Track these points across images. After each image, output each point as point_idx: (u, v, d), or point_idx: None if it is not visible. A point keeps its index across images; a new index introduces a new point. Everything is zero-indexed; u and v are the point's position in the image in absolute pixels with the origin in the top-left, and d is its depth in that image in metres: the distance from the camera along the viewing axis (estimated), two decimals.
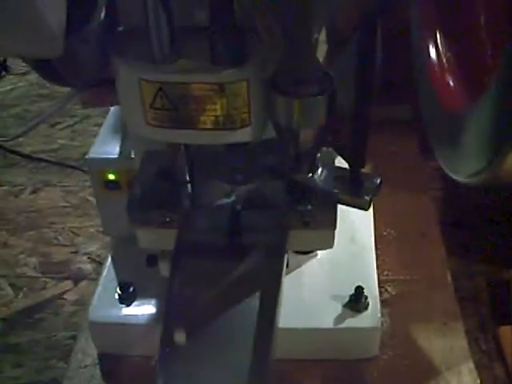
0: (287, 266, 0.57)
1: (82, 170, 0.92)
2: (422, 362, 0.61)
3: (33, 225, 0.87)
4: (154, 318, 0.60)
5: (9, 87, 1.13)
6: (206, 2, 0.45)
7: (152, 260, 0.62)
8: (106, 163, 0.62)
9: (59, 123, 1.05)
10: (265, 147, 0.53)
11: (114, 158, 0.62)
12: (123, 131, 0.64)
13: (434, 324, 0.64)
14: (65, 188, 0.92)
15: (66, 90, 1.06)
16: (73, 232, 0.85)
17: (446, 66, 0.51)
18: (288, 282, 0.61)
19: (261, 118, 0.48)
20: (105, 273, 0.65)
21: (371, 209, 0.70)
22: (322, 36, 0.49)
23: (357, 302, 0.59)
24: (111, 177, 0.62)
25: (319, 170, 0.53)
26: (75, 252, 0.83)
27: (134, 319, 0.60)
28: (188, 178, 0.54)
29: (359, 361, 0.61)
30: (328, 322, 0.59)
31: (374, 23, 0.43)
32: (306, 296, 0.61)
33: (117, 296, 0.62)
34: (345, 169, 0.52)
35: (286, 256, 0.53)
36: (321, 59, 0.49)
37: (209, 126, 0.48)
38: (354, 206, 0.51)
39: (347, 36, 0.47)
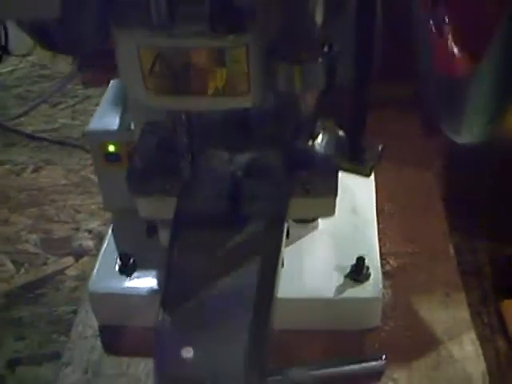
0: (288, 236, 0.57)
1: (84, 149, 0.92)
2: (423, 332, 0.61)
3: (34, 202, 0.86)
4: (154, 289, 0.60)
5: (10, 68, 1.12)
6: None
7: (152, 230, 0.61)
8: (106, 135, 0.62)
9: (60, 103, 1.04)
10: (265, 115, 0.53)
11: (114, 130, 0.62)
12: (123, 104, 0.64)
13: (436, 295, 0.64)
14: (66, 166, 0.92)
15: (67, 70, 1.07)
16: (74, 209, 0.85)
17: (446, 30, 0.51)
18: (289, 253, 0.61)
19: (260, 84, 0.48)
20: (105, 245, 0.65)
21: (373, 181, 0.71)
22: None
23: (358, 272, 0.59)
24: (111, 149, 0.62)
25: (320, 138, 0.53)
26: (76, 229, 0.82)
27: (134, 290, 0.60)
28: (188, 147, 0.54)
29: (361, 332, 0.61)
30: (329, 292, 0.59)
31: None
32: (307, 267, 0.61)
33: (117, 267, 0.62)
34: (346, 135, 0.51)
35: (286, 225, 0.53)
36: (320, 23, 0.49)
37: (208, 93, 0.47)
38: (356, 173, 0.50)
39: None
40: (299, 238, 0.63)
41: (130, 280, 0.61)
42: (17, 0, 0.41)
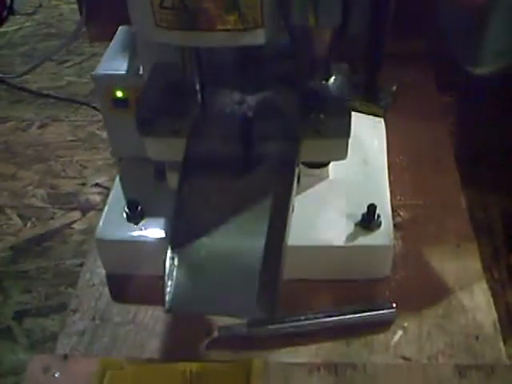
0: (298, 182, 0.56)
1: (90, 106, 0.91)
2: (434, 282, 0.60)
3: (41, 158, 0.85)
4: (162, 237, 0.59)
5: (16, 27, 1.11)
6: None
7: (160, 174, 0.60)
8: (114, 79, 0.60)
9: (66, 61, 1.03)
10: (278, 54, 0.52)
11: (122, 74, 0.60)
12: (132, 48, 0.63)
13: (447, 246, 0.63)
14: (72, 123, 0.91)
15: (73, 28, 1.06)
16: (81, 165, 0.84)
17: None
18: (300, 202, 0.60)
19: (274, 19, 0.46)
20: (112, 193, 0.64)
21: (384, 133, 0.70)
22: None
23: (369, 220, 0.58)
24: (119, 94, 0.61)
25: (333, 79, 0.51)
26: (83, 184, 0.82)
27: (142, 237, 0.59)
28: (198, 87, 0.53)
29: (371, 281, 0.60)
30: (340, 240, 0.58)
31: None
32: (318, 215, 0.60)
33: (124, 215, 0.61)
34: (361, 76, 0.50)
35: (298, 168, 0.52)
36: None
37: (220, 27, 0.46)
38: (370, 113, 0.49)
39: None
40: (310, 187, 0.62)
41: (137, 227, 0.60)
42: None
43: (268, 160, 0.49)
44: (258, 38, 0.47)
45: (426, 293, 0.59)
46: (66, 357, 0.56)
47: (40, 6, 1.17)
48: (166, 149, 0.53)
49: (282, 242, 0.44)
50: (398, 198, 0.68)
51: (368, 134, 0.68)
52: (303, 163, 0.56)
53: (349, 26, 0.48)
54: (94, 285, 0.63)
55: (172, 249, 0.44)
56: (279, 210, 0.46)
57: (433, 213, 0.67)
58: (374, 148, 0.67)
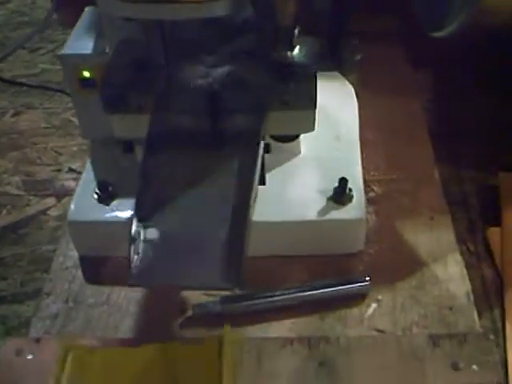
0: (268, 152, 0.56)
1: (65, 92, 0.90)
2: (408, 255, 0.60)
3: (15, 146, 0.84)
4: None
5: None
6: None
7: (128, 147, 0.60)
8: (80, 59, 0.60)
9: (40, 49, 1.01)
10: (242, 26, 0.52)
11: (88, 54, 0.59)
12: (98, 28, 0.62)
13: (420, 219, 0.63)
14: (47, 110, 0.90)
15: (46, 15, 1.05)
16: (56, 151, 0.83)
17: None
18: (271, 178, 0.60)
19: None
20: (84, 176, 0.64)
21: (357, 109, 0.69)
22: None
23: (341, 194, 0.58)
24: (86, 74, 0.60)
25: (298, 49, 0.51)
26: (58, 170, 0.81)
27: (113, 217, 0.59)
28: (163, 62, 0.52)
29: (345, 255, 0.60)
30: (312, 215, 0.58)
31: None
32: (290, 190, 0.60)
33: (95, 196, 0.61)
34: (325, 44, 0.50)
35: (263, 140, 0.51)
36: None
37: None
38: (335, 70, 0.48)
39: None
40: (282, 163, 0.62)
41: (108, 208, 0.60)
42: None
43: (234, 133, 0.49)
44: (221, 9, 0.46)
45: (400, 265, 0.59)
46: (38, 340, 0.55)
47: None
48: (132, 126, 0.52)
49: (247, 213, 0.44)
50: (372, 173, 0.68)
51: (340, 110, 0.68)
52: (272, 137, 0.56)
53: None
54: (67, 268, 0.62)
55: (137, 222, 0.44)
56: (244, 182, 0.46)
57: (406, 187, 0.67)
58: (346, 124, 0.67)
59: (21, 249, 0.71)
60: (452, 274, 0.59)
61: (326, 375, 0.51)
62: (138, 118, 0.51)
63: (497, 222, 0.65)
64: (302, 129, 0.54)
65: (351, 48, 0.47)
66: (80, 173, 0.79)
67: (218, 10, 0.46)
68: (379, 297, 0.57)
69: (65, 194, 0.77)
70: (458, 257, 0.60)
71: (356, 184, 0.59)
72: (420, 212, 0.64)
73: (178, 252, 0.43)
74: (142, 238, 0.44)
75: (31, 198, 0.77)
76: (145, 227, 0.44)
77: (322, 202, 0.58)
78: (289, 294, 0.56)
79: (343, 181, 0.57)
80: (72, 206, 0.61)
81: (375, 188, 0.67)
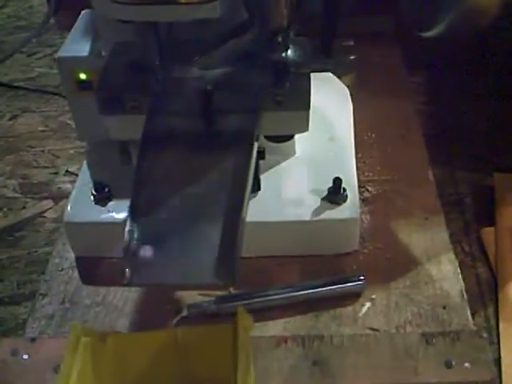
0: (263, 158, 0.56)
1: (62, 96, 0.91)
2: (402, 254, 0.61)
3: (12, 149, 0.85)
4: None
5: None
6: None
7: (125, 158, 0.60)
8: (77, 61, 0.60)
9: (37, 53, 1.02)
10: (235, 29, 0.52)
11: (85, 56, 0.60)
12: (94, 30, 0.62)
13: (415, 219, 0.64)
14: (43, 113, 0.90)
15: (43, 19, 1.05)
16: (52, 154, 0.83)
17: None
18: (266, 178, 0.61)
19: None
20: (80, 177, 0.64)
21: (351, 109, 0.70)
22: None
23: (335, 194, 0.58)
24: (82, 76, 0.61)
25: (292, 50, 0.51)
26: (55, 173, 0.81)
27: (110, 219, 0.59)
28: (157, 64, 0.53)
29: (339, 255, 0.60)
30: (306, 215, 0.58)
31: None
32: (284, 191, 0.60)
33: (92, 197, 0.61)
34: (318, 47, 0.50)
35: (257, 140, 0.52)
36: None
37: (176, 0, 0.46)
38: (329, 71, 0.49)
39: None
40: (276, 164, 0.63)
41: (105, 209, 0.60)
42: None
43: (228, 133, 0.49)
44: (214, 11, 0.47)
45: (394, 265, 0.60)
46: (33, 340, 0.56)
47: None
48: (128, 127, 0.52)
49: (241, 212, 0.44)
50: (366, 173, 0.68)
51: (335, 111, 0.68)
52: (267, 137, 0.56)
53: None
54: (63, 269, 0.63)
55: (131, 222, 0.44)
56: (238, 182, 0.46)
57: (401, 187, 0.67)
58: (340, 125, 0.67)
59: (17, 251, 0.71)
60: (446, 273, 0.59)
61: (320, 374, 0.51)
62: (133, 119, 0.52)
63: (491, 222, 0.66)
64: (296, 129, 0.54)
65: (345, 49, 0.48)
66: (77, 175, 0.80)
67: (211, 12, 0.47)
68: (373, 296, 0.57)
69: (62, 196, 0.78)
70: (451, 256, 0.60)
71: (350, 184, 0.59)
72: (414, 212, 0.64)
73: (172, 251, 0.44)
74: (136, 238, 0.44)
75: (28, 200, 0.78)
76: (139, 227, 0.44)
77: (316, 202, 0.59)
78: (283, 293, 0.57)
79: (337, 181, 0.58)
80: (68, 207, 0.61)
81: (370, 188, 0.67)
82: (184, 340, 0.50)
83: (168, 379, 0.51)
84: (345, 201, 0.58)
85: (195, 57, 0.52)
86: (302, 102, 0.50)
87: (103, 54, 0.60)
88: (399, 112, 0.76)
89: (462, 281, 0.59)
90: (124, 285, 0.43)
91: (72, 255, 0.64)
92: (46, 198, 0.78)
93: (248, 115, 0.50)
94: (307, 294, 0.57)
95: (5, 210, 0.76)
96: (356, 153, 0.66)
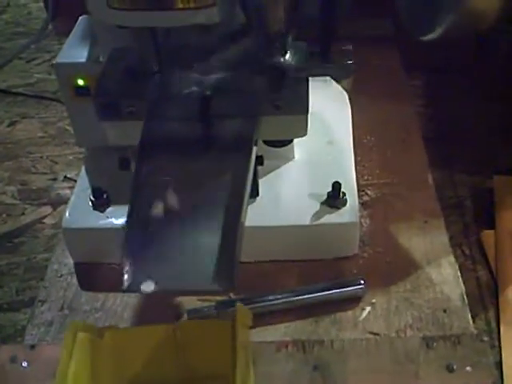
0: (262, 163, 0.56)
1: (60, 102, 0.91)
2: (402, 258, 0.60)
3: (11, 155, 0.85)
4: None
5: None
6: None
7: (124, 164, 0.60)
8: (75, 67, 0.60)
9: (35, 59, 1.02)
10: (233, 34, 0.52)
11: (83, 62, 0.60)
12: (92, 36, 0.62)
13: (414, 222, 0.64)
14: (42, 119, 0.90)
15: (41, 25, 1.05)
16: (51, 160, 0.83)
17: None
18: (265, 183, 0.60)
19: None
20: (79, 183, 0.64)
21: (350, 113, 0.70)
22: None
23: (335, 198, 0.58)
24: (80, 82, 0.61)
25: (290, 54, 0.51)
26: (54, 179, 0.81)
27: (108, 224, 0.59)
28: (155, 69, 0.53)
29: (339, 259, 0.60)
30: (306, 219, 0.58)
31: None
32: (284, 195, 0.60)
33: (90, 203, 0.61)
34: (316, 48, 0.50)
35: (256, 144, 0.52)
36: None
37: (172, 6, 0.46)
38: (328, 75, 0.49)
39: None
40: (275, 168, 0.62)
41: (103, 215, 0.60)
42: None
43: (227, 138, 0.49)
44: (212, 16, 0.47)
45: (394, 269, 0.60)
46: (33, 347, 0.55)
47: (8, 5, 1.17)
48: (125, 132, 0.52)
49: (240, 216, 0.44)
50: (366, 177, 0.68)
51: (333, 115, 0.68)
52: (265, 142, 0.56)
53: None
54: (61, 275, 0.63)
55: (130, 228, 0.44)
56: (237, 186, 0.46)
57: (400, 191, 0.67)
58: (339, 129, 0.67)
59: (16, 257, 0.71)
60: (446, 277, 0.59)
61: (321, 379, 0.51)
62: (131, 125, 0.51)
63: (491, 225, 0.65)
64: (295, 133, 0.54)
65: (344, 53, 0.48)
66: (75, 181, 0.80)
67: (207, 18, 0.47)
68: (373, 300, 0.57)
69: (60, 202, 0.77)
70: (452, 259, 0.60)
71: (349, 188, 0.59)
72: (414, 216, 0.64)
73: (171, 257, 0.44)
74: (134, 244, 0.44)
75: (27, 206, 0.77)
76: (138, 233, 0.44)
77: (315, 207, 0.59)
78: (283, 298, 0.57)
79: (337, 185, 0.58)
80: (67, 213, 0.61)
81: (369, 192, 0.67)
82: (182, 335, 0.50)
83: (166, 374, 0.51)
84: (344, 205, 0.58)
85: (193, 62, 0.52)
86: (300, 106, 0.50)
87: (101, 59, 0.60)
88: (398, 115, 0.76)
89: (462, 284, 0.58)
90: (123, 291, 0.42)
91: (71, 261, 0.63)
92: (44, 204, 0.78)
93: (246, 120, 0.50)
94: (307, 298, 0.57)
95: (4, 216, 0.76)
96: (355, 156, 0.65)
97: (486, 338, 0.54)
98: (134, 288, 0.42)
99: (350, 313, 0.56)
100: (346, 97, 0.73)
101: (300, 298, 0.56)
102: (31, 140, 0.87)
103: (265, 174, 0.61)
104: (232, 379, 0.43)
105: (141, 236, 0.44)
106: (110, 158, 0.63)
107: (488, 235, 0.65)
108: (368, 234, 0.63)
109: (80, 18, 0.67)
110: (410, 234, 0.62)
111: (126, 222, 0.44)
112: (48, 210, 0.77)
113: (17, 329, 0.61)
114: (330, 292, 0.57)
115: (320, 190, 0.59)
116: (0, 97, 0.94)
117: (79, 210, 0.61)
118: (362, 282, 0.57)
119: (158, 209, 0.45)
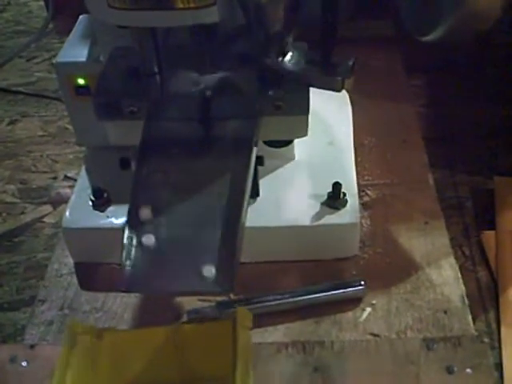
0: (262, 164, 0.56)
1: (61, 100, 0.90)
2: (402, 259, 0.60)
3: (11, 154, 0.85)
4: None
5: None
6: None
7: (125, 163, 0.60)
8: (75, 66, 0.60)
9: (36, 57, 1.02)
10: (233, 35, 0.52)
11: (83, 61, 0.60)
12: (92, 35, 0.62)
13: (415, 223, 0.63)
14: (42, 118, 0.90)
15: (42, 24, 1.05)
16: (51, 159, 0.83)
17: None
18: (265, 183, 0.60)
19: None
20: (79, 182, 0.64)
21: (350, 113, 0.70)
22: None
23: (335, 199, 0.58)
24: (80, 81, 0.61)
25: (290, 54, 0.51)
26: (54, 178, 0.81)
27: (108, 224, 0.59)
28: (155, 69, 0.53)
29: (339, 260, 0.60)
30: (306, 220, 0.58)
31: None
32: (284, 196, 0.60)
33: (90, 203, 0.61)
34: (316, 51, 0.50)
35: (256, 145, 0.51)
36: None
37: (173, 5, 0.46)
38: (328, 88, 0.49)
39: None
40: (275, 169, 0.62)
41: (103, 215, 0.60)
42: None
43: (227, 137, 0.49)
44: (212, 16, 0.47)
45: (395, 270, 0.60)
46: (32, 346, 0.55)
47: (8, 3, 1.17)
48: (125, 132, 0.52)
49: (240, 217, 0.44)
50: (366, 177, 0.68)
51: (334, 115, 0.68)
52: (266, 143, 0.56)
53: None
54: (62, 275, 0.62)
55: (130, 228, 0.44)
56: (237, 187, 0.46)
57: (400, 191, 0.67)
58: (340, 129, 0.67)
59: (16, 256, 0.71)
60: (446, 278, 0.59)
61: (321, 380, 0.51)
62: (131, 124, 0.51)
63: (491, 225, 0.65)
64: (296, 134, 0.54)
65: (343, 67, 0.47)
66: (76, 180, 0.79)
67: (210, 17, 0.47)
68: (374, 301, 0.57)
69: (60, 201, 0.77)
70: (452, 261, 0.60)
71: (350, 189, 0.59)
72: (414, 217, 0.64)
73: (171, 257, 0.44)
74: (134, 244, 0.44)
75: (27, 205, 0.77)
76: (138, 234, 0.44)
77: (316, 207, 0.59)
78: (283, 298, 0.57)
79: (337, 186, 0.58)
80: (67, 213, 0.61)
81: (369, 193, 0.67)
82: (182, 337, 0.50)
83: (166, 376, 0.51)
84: (344, 206, 0.58)
85: (194, 62, 0.52)
86: (301, 106, 0.50)
87: (101, 59, 0.60)
88: (399, 116, 0.76)
89: (462, 285, 0.58)
90: (123, 291, 0.42)
91: (71, 261, 0.63)
92: (44, 203, 0.78)
93: (247, 120, 0.50)
94: (307, 299, 0.56)
95: (4, 215, 0.76)
96: (356, 157, 0.65)
97: (486, 340, 0.54)
98: (133, 288, 0.43)
99: (350, 314, 0.56)
100: (347, 97, 0.73)
101: (300, 298, 0.56)
102: (31, 139, 0.86)
103: (265, 175, 0.61)
104: (232, 381, 0.43)
105: (140, 237, 0.44)
106: (111, 157, 0.63)
107: (488, 236, 0.65)
108: (368, 235, 0.63)
109: (80, 16, 0.67)
110: (411, 235, 0.62)
111: (126, 222, 0.44)
112: (48, 209, 0.77)
113: (16, 328, 0.61)
114: (331, 293, 0.56)
115: (320, 191, 0.59)
116: (0, 95, 0.94)
117: (79, 209, 0.61)
118: (363, 282, 0.57)
119: (157, 209, 0.45)
